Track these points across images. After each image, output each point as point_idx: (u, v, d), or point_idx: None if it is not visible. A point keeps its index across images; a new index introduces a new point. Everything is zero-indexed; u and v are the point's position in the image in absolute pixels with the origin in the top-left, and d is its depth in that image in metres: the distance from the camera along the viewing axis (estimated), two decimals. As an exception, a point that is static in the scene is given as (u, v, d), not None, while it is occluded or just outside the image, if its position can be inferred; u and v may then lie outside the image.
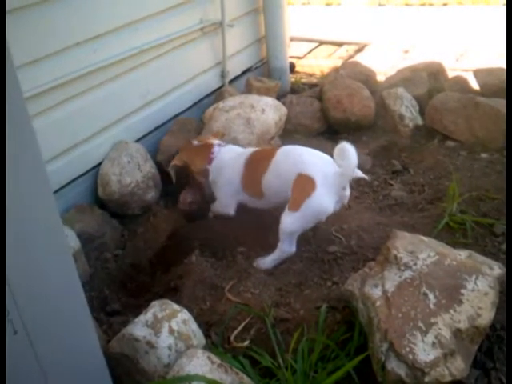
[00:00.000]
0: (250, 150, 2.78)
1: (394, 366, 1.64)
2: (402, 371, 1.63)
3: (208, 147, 2.83)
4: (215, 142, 2.87)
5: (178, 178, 2.94)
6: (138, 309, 2.05)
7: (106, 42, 2.88)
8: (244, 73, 4.34)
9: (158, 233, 2.83)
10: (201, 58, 3.77)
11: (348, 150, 2.29)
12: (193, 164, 2.86)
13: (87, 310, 1.54)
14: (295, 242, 2.46)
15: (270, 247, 2.50)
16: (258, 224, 2.67)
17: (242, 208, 2.79)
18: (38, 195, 1.31)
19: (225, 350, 1.99)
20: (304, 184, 2.36)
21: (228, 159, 2.76)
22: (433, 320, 1.69)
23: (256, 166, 2.65)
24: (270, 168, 2.56)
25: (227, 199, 2.76)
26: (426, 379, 1.60)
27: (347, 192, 2.47)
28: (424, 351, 1.63)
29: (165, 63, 3.38)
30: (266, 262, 2.47)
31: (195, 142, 2.90)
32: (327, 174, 2.36)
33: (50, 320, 1.41)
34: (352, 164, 2.31)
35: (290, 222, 2.40)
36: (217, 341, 2.04)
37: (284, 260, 2.46)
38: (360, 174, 2.49)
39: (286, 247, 2.45)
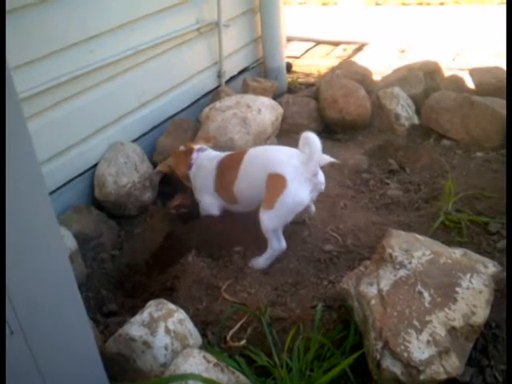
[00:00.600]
0: (222, 154, 2.81)
1: (389, 364, 1.65)
2: (397, 369, 1.63)
3: (189, 153, 2.87)
4: (196, 147, 2.89)
5: (166, 182, 3.01)
6: (135, 309, 2.05)
7: (102, 43, 2.88)
8: (240, 73, 4.34)
9: (155, 233, 2.84)
10: (197, 58, 3.78)
11: (310, 138, 2.34)
12: (177, 169, 2.91)
13: (84, 311, 1.54)
14: (282, 237, 2.47)
15: (266, 246, 2.51)
16: (254, 224, 2.66)
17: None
18: (34, 196, 1.31)
19: (221, 349, 1.99)
20: (275, 182, 2.40)
21: (203, 164, 2.80)
22: (428, 318, 1.70)
23: (226, 172, 2.69)
24: (240, 175, 2.60)
25: (207, 201, 2.79)
26: (421, 377, 1.61)
27: (321, 178, 2.48)
28: (419, 349, 1.64)
29: (161, 63, 3.38)
30: (260, 262, 2.48)
31: (182, 148, 2.93)
32: (296, 166, 2.39)
33: (46, 321, 1.41)
34: (316, 150, 2.34)
35: (268, 220, 2.41)
36: (213, 340, 2.04)
37: (278, 257, 2.46)
38: (329, 158, 2.54)
39: (274, 244, 2.46)
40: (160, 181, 3.14)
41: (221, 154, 2.81)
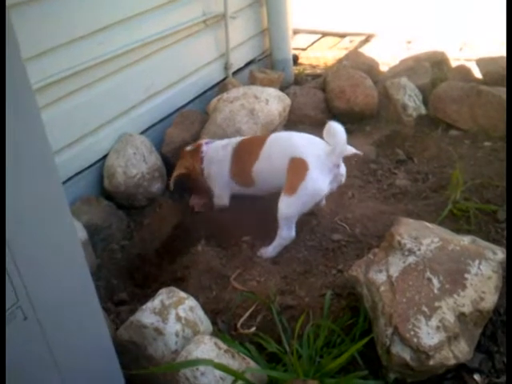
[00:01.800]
0: (237, 139, 2.83)
1: (399, 350, 1.66)
2: (406, 355, 1.65)
3: (198, 148, 2.89)
4: (203, 141, 2.92)
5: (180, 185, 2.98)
6: (145, 298, 2.06)
7: (111, 35, 2.89)
8: (247, 65, 4.34)
9: (164, 224, 2.85)
10: (204, 51, 3.78)
11: (335, 128, 2.35)
12: (192, 168, 2.89)
13: (96, 298, 1.56)
14: (294, 227, 2.49)
15: (275, 235, 2.53)
16: (263, 214, 2.68)
17: (245, 198, 2.82)
18: (48, 186, 1.33)
19: (231, 336, 2.01)
20: (297, 167, 2.41)
21: (214, 153, 2.82)
22: (437, 304, 1.71)
23: (245, 154, 2.70)
24: (261, 156, 2.61)
25: (220, 191, 2.82)
26: (431, 362, 1.63)
27: (342, 170, 2.50)
28: (428, 335, 1.65)
29: (169, 56, 3.39)
30: (268, 250, 2.50)
31: (188, 148, 2.94)
32: (319, 155, 2.41)
33: (60, 307, 1.43)
34: (341, 141, 2.35)
35: (287, 206, 2.43)
36: (223, 328, 2.07)
37: (287, 247, 2.48)
38: (353, 150, 2.53)
39: (284, 233, 2.48)
40: (168, 172, 3.15)
41: (234, 140, 2.82)
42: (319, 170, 2.39)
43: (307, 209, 2.51)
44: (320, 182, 2.41)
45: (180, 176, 2.88)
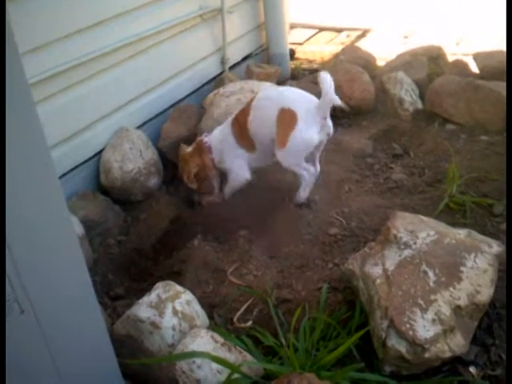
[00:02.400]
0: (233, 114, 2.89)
1: (395, 343, 1.67)
2: (402, 348, 1.65)
3: (201, 142, 2.87)
4: (202, 136, 2.92)
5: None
6: (142, 293, 2.06)
7: (107, 29, 2.88)
8: (244, 59, 4.34)
9: (161, 218, 2.85)
10: (201, 45, 3.78)
11: (325, 77, 2.46)
12: (203, 164, 2.86)
13: (93, 292, 1.56)
14: (309, 165, 2.63)
15: (271, 230, 2.53)
16: (259, 208, 2.69)
17: (241, 192, 2.83)
18: (44, 181, 1.32)
19: (228, 330, 2.01)
20: (286, 118, 2.50)
21: (219, 135, 2.85)
22: (433, 297, 1.71)
23: (240, 117, 2.75)
24: (252, 111, 2.66)
25: (237, 165, 2.81)
26: (426, 355, 1.63)
27: (329, 122, 2.57)
28: (424, 328, 1.65)
29: (165, 50, 3.38)
30: (300, 195, 2.66)
31: (189, 149, 2.91)
32: (309, 108, 2.50)
33: (56, 301, 1.42)
34: (329, 89, 2.44)
35: (285, 159, 2.58)
36: (220, 322, 2.07)
37: (283, 241, 2.49)
38: (338, 101, 2.53)
39: (304, 173, 2.61)
40: (164, 166, 3.16)
41: (228, 119, 2.88)
42: (307, 121, 2.48)
43: (304, 157, 2.59)
44: (309, 132, 2.49)
45: (195, 177, 2.85)
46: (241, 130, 2.74)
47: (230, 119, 2.85)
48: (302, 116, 2.48)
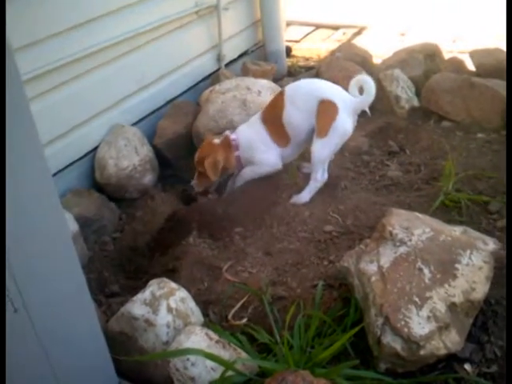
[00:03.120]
0: (256, 114, 2.90)
1: (390, 340, 1.66)
2: (397, 345, 1.65)
3: (228, 138, 2.85)
4: (227, 132, 2.89)
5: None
6: (137, 290, 2.05)
7: (101, 26, 2.87)
8: (240, 56, 4.33)
9: (156, 215, 2.84)
10: (196, 42, 3.76)
11: (368, 80, 2.64)
12: (227, 159, 2.83)
13: (86, 290, 1.55)
14: (326, 169, 2.72)
15: (267, 227, 2.53)
16: (254, 205, 2.68)
17: (237, 190, 2.84)
18: (38, 179, 1.31)
19: (223, 327, 2.00)
20: (327, 109, 2.62)
21: (246, 132, 2.85)
22: (428, 294, 1.71)
23: (272, 112, 2.78)
24: (288, 104, 2.71)
25: (271, 156, 2.82)
26: (422, 352, 1.63)
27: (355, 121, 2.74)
28: (419, 325, 1.65)
29: (160, 47, 3.37)
30: (303, 196, 2.69)
31: (216, 140, 2.85)
32: (345, 99, 2.64)
33: (50, 299, 1.42)
34: (371, 96, 2.63)
35: (322, 148, 2.65)
36: (215, 319, 2.06)
37: (278, 238, 2.48)
38: (367, 108, 2.74)
39: (319, 176, 2.70)
40: (160, 163, 3.15)
41: (255, 116, 2.89)
42: (346, 112, 2.62)
43: (337, 149, 2.74)
44: (348, 123, 2.65)
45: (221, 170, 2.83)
46: (274, 124, 2.77)
47: (257, 115, 2.86)
48: (342, 108, 2.60)
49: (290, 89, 2.77)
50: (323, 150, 2.64)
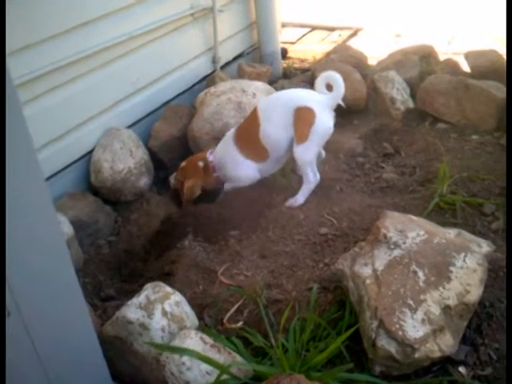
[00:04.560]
0: (230, 130, 2.90)
1: (385, 343, 1.66)
2: (392, 348, 1.65)
3: (206, 160, 2.88)
4: (207, 153, 2.91)
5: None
6: (132, 294, 2.05)
7: (96, 29, 2.87)
8: (236, 58, 4.33)
9: (151, 219, 2.84)
10: (192, 44, 3.76)
11: (335, 76, 2.65)
12: (206, 182, 2.88)
13: (81, 294, 1.55)
14: (316, 170, 2.72)
15: (262, 230, 2.53)
16: (249, 208, 2.69)
17: (232, 193, 2.84)
18: (31, 183, 1.31)
19: (218, 331, 2.00)
20: (304, 115, 2.63)
21: (220, 149, 2.88)
22: (422, 297, 1.71)
23: (246, 128, 2.78)
24: (261, 121, 2.71)
25: (247, 170, 2.82)
26: (416, 355, 1.63)
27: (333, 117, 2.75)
28: (414, 328, 1.65)
29: (155, 49, 3.37)
30: (298, 199, 2.70)
31: (200, 163, 2.88)
32: (319, 100, 2.66)
33: (44, 304, 1.42)
34: (341, 90, 2.64)
35: (304, 152, 2.66)
36: (210, 323, 2.06)
37: (274, 241, 2.48)
38: (341, 102, 2.76)
39: (311, 177, 2.70)
40: (155, 166, 3.15)
41: (228, 132, 2.89)
42: (323, 112, 2.64)
43: (321, 147, 2.78)
44: (327, 122, 2.66)
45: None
46: (249, 141, 2.76)
47: (230, 133, 2.85)
48: (319, 111, 2.62)
49: (262, 104, 2.78)
50: (306, 152, 2.65)
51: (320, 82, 2.70)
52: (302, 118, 2.62)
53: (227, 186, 2.90)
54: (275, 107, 2.70)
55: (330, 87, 2.70)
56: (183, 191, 2.85)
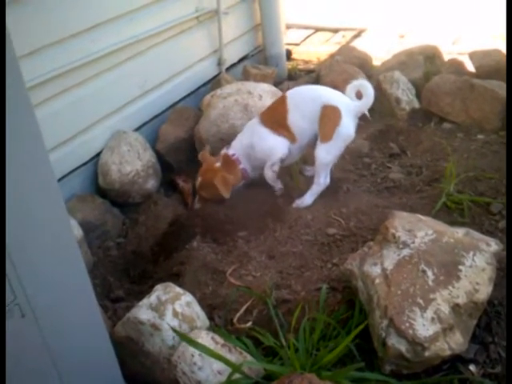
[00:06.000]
0: (253, 119, 2.91)
1: (395, 342, 1.67)
2: (402, 346, 1.66)
3: (226, 156, 2.86)
4: (224, 151, 2.90)
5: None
6: (142, 295, 2.07)
7: (103, 32, 2.88)
8: (241, 60, 4.34)
9: (159, 220, 2.85)
10: (197, 47, 3.78)
11: (367, 84, 2.69)
12: (232, 177, 2.84)
13: (93, 295, 1.56)
14: (329, 173, 2.76)
15: (270, 231, 2.54)
16: (257, 209, 2.70)
17: (239, 194, 2.84)
18: (43, 185, 1.33)
19: (228, 331, 2.01)
20: (331, 114, 2.66)
21: (241, 141, 2.87)
22: (432, 296, 1.72)
23: (273, 116, 2.80)
24: (290, 108, 2.74)
25: (276, 142, 2.79)
26: (426, 354, 1.64)
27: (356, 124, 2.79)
28: (423, 326, 1.66)
29: (161, 52, 3.39)
30: (306, 199, 2.73)
31: (217, 164, 2.85)
32: (347, 103, 2.69)
33: (57, 305, 1.43)
34: (372, 95, 2.67)
35: (326, 153, 2.69)
36: (220, 323, 2.07)
37: (282, 241, 2.49)
38: (366, 111, 2.84)
39: (322, 180, 2.74)
40: (162, 168, 3.17)
41: (249, 123, 2.91)
42: (349, 116, 2.67)
43: (340, 153, 2.77)
44: (350, 127, 2.69)
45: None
46: (278, 123, 2.77)
47: (252, 122, 2.88)
48: (345, 113, 2.65)
49: (292, 93, 2.80)
50: (328, 154, 2.68)
51: (351, 88, 2.73)
52: (328, 117, 2.66)
53: (267, 174, 2.82)
54: (304, 98, 2.73)
55: (358, 95, 2.72)
56: (208, 198, 2.83)
